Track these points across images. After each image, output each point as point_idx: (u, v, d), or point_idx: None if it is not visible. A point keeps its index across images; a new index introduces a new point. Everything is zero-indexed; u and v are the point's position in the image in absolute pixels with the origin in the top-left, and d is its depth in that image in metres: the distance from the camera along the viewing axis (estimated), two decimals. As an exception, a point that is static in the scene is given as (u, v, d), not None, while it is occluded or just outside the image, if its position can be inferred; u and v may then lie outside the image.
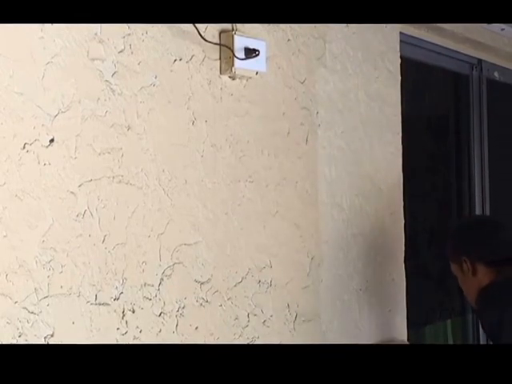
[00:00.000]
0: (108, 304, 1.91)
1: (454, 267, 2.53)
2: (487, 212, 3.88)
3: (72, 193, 1.84)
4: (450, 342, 3.75)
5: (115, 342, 1.92)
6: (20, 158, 1.74)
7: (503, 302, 2.39)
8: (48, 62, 1.80)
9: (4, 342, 1.69)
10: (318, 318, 2.59)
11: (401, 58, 3.05)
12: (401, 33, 3.08)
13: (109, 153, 1.93)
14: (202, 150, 2.18)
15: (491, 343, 2.47)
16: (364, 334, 2.81)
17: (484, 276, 2.43)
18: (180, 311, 2.09)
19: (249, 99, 2.33)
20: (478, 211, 3.85)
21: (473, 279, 2.45)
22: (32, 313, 1.75)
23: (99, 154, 1.90)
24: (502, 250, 2.46)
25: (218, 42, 2.21)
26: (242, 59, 2.22)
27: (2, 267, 1.70)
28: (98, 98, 1.91)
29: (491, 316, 2.38)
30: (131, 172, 1.98)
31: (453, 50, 3.63)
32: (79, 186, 1.86)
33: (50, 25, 1.79)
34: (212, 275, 2.19)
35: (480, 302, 2.44)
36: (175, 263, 2.08)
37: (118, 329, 1.93)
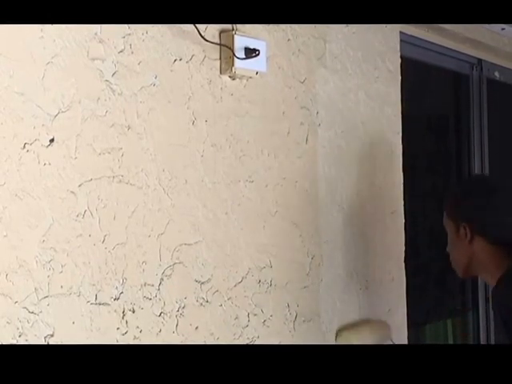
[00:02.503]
0: (108, 304, 1.91)
1: (448, 223, 2.35)
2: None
3: (72, 193, 1.84)
4: (450, 341, 3.75)
5: (115, 342, 1.92)
6: (20, 158, 1.74)
7: None
8: (48, 62, 1.80)
9: (4, 342, 1.69)
10: (318, 318, 2.59)
11: (401, 57, 3.05)
12: (401, 33, 3.08)
13: (109, 153, 1.93)
14: (202, 150, 2.18)
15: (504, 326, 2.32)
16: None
17: (482, 250, 2.25)
18: (180, 311, 2.09)
19: (249, 99, 2.33)
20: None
21: (468, 247, 2.26)
22: (32, 313, 1.75)
23: (99, 154, 1.90)
24: (507, 228, 2.23)
25: (218, 41, 2.21)
26: (242, 59, 2.22)
27: (2, 267, 1.70)
28: (98, 98, 1.91)
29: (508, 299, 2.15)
30: (131, 172, 1.98)
31: (453, 50, 3.63)
32: (79, 185, 1.86)
33: (49, 25, 1.79)
34: (212, 275, 2.19)
35: (502, 284, 2.20)
36: (175, 263, 2.08)
37: (118, 329, 1.93)
